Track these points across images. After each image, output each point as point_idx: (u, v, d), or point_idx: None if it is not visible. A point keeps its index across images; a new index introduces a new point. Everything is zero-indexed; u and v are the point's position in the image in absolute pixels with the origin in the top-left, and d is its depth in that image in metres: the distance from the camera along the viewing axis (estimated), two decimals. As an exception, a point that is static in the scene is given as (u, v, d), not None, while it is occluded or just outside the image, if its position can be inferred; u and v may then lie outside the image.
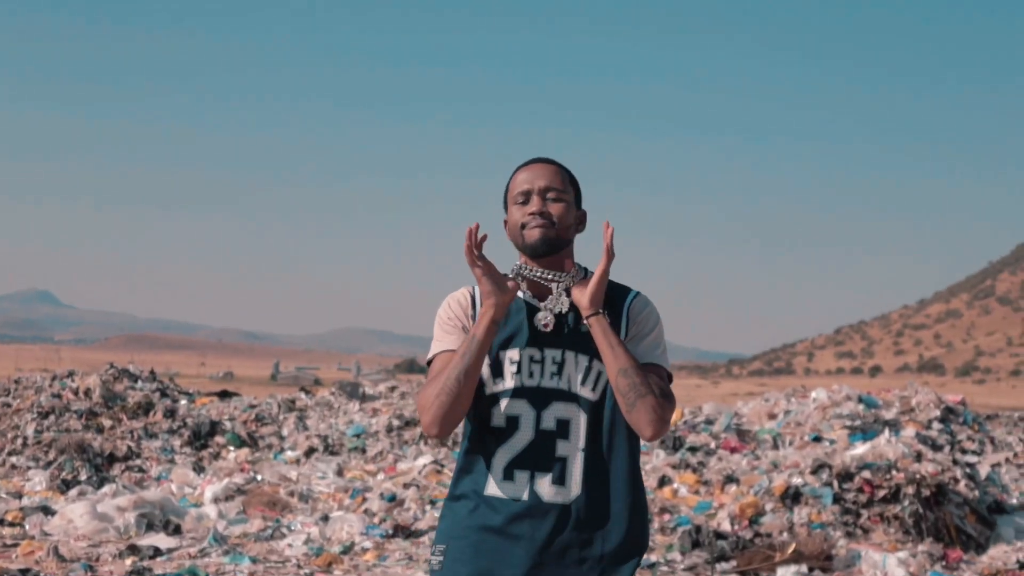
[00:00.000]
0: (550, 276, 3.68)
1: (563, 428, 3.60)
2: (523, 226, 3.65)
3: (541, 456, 3.58)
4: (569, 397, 3.61)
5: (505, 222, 3.77)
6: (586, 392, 3.61)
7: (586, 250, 3.80)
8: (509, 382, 3.62)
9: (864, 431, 15.79)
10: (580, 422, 3.61)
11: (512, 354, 3.63)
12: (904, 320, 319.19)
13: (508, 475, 3.59)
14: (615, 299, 3.73)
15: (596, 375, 3.62)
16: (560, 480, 3.58)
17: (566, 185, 3.69)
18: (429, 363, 3.74)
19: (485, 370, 3.62)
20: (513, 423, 3.60)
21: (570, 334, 3.66)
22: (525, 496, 3.57)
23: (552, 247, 3.65)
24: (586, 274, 3.75)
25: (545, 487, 3.58)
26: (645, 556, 11.80)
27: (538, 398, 3.60)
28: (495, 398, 3.62)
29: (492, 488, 3.60)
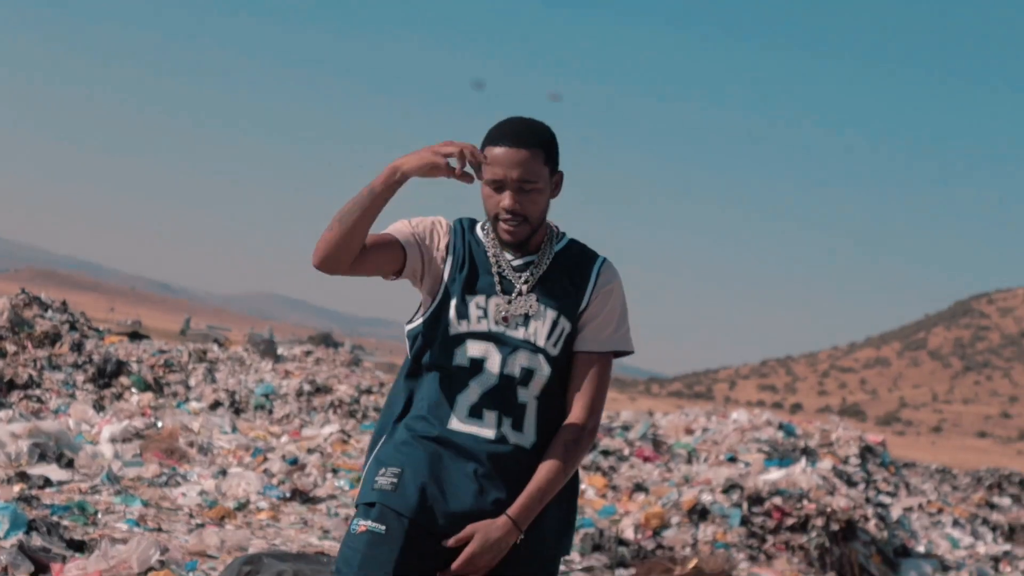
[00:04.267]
0: (516, 270, 3.69)
1: (525, 376, 3.62)
2: (496, 216, 3.62)
3: (506, 400, 3.61)
4: (532, 348, 3.63)
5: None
6: (548, 346, 3.63)
7: (558, 209, 4.52)
8: (476, 325, 3.63)
9: (781, 458, 15.70)
10: (542, 373, 3.63)
11: (479, 300, 3.65)
12: (832, 361, 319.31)
13: (476, 412, 3.60)
14: (583, 264, 3.74)
15: (560, 331, 3.65)
16: (519, 426, 3.62)
17: (541, 170, 3.60)
18: None
19: (451, 312, 3.64)
20: (478, 364, 3.62)
21: (538, 287, 3.68)
22: (493, 435, 3.59)
23: (523, 244, 3.67)
24: (558, 236, 3.78)
25: (508, 430, 3.61)
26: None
27: (503, 344, 3.62)
28: (460, 339, 3.63)
29: (456, 423, 3.61)
